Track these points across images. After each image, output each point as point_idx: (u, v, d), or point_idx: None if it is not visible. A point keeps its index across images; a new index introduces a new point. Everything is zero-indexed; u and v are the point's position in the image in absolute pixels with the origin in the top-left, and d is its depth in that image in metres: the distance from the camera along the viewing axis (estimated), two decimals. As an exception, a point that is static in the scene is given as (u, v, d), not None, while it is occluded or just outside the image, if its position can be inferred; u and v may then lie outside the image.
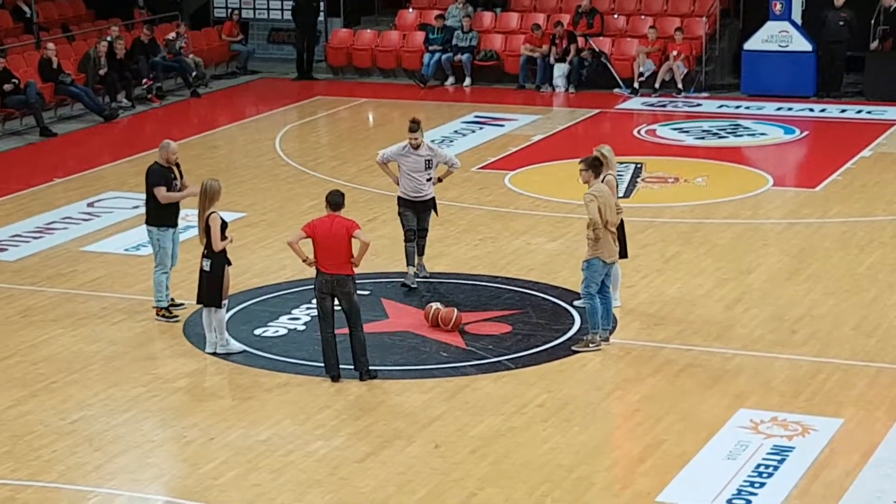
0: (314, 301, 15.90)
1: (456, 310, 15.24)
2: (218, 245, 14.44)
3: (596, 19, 29.14)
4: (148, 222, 15.75)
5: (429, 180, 16.43)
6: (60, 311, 16.07)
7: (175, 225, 15.67)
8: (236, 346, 14.73)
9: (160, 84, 28.29)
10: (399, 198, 16.52)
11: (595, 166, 14.51)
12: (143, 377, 14.12)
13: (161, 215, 15.56)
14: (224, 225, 14.51)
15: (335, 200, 13.87)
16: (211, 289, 14.51)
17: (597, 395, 13.59)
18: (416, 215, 16.47)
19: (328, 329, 13.83)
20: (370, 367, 13.90)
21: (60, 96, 26.28)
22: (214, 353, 14.63)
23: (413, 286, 16.40)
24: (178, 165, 15.81)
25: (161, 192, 15.54)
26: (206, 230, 14.45)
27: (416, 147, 16.29)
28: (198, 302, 14.78)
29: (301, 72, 30.12)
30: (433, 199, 16.55)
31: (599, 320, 14.55)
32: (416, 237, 16.52)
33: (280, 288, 16.67)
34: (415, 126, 16.28)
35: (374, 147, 23.89)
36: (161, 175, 15.63)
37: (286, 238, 14.37)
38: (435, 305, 15.32)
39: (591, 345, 14.57)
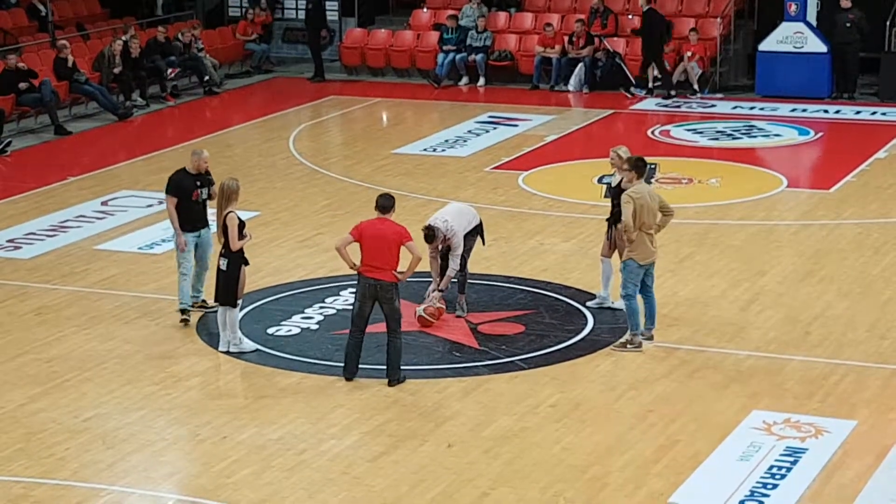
0: (328, 301, 15.97)
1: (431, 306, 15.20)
2: (235, 245, 14.45)
3: (610, 19, 29.12)
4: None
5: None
6: (74, 310, 16.10)
7: (195, 230, 15.47)
8: (249, 344, 14.74)
9: (176, 83, 28.34)
10: None
11: (638, 167, 14.46)
12: (156, 375, 14.14)
13: (182, 220, 15.40)
14: (241, 224, 14.52)
15: (385, 204, 13.75)
16: (227, 288, 14.53)
17: (610, 396, 13.58)
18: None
19: (358, 332, 13.78)
20: (401, 373, 13.86)
21: (75, 95, 26.33)
22: (228, 352, 14.65)
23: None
24: (208, 173, 15.60)
25: (170, 203, 15.45)
26: (223, 229, 14.47)
27: (435, 248, 15.54)
28: (215, 301, 14.82)
29: (316, 72, 30.13)
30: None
31: (639, 321, 14.53)
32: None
33: (293, 287, 16.68)
34: (429, 238, 15.29)
35: (388, 147, 23.98)
36: (176, 184, 15.48)
37: (334, 243, 14.20)
38: (418, 311, 15.24)
39: (629, 345, 14.55)
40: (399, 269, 13.75)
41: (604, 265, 15.65)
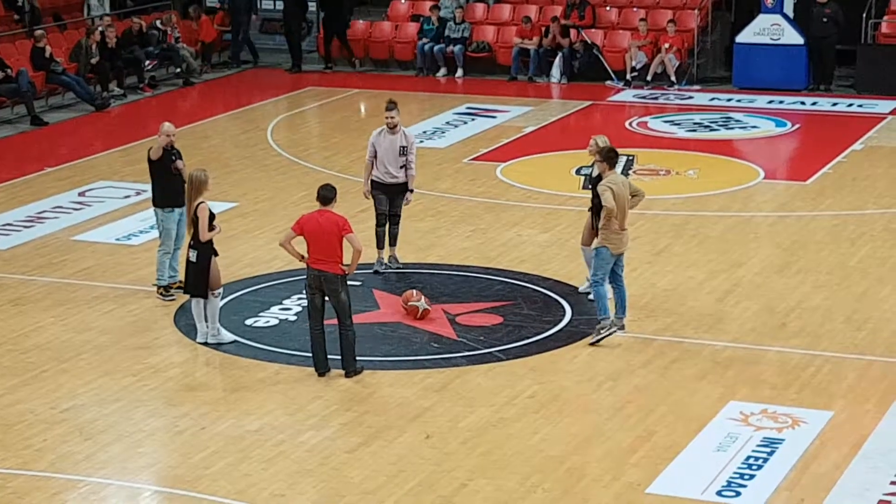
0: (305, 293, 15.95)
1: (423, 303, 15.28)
2: (205, 235, 14.43)
3: (587, 11, 29.12)
4: (154, 204, 16.08)
5: (402, 167, 16.52)
6: (51, 301, 16.06)
7: (180, 206, 15.82)
8: (227, 336, 14.72)
9: (153, 73, 28.27)
10: (372, 181, 16.62)
11: (610, 158, 14.57)
12: (134, 366, 14.11)
13: (165, 197, 15.86)
14: (212, 216, 14.52)
15: (325, 195, 13.78)
16: (196, 279, 14.50)
17: (588, 387, 13.61)
18: (388, 199, 16.63)
19: (317, 325, 13.76)
20: (356, 364, 13.84)
21: (52, 85, 26.24)
22: (206, 343, 14.63)
23: (383, 272, 16.53)
24: (174, 148, 16.01)
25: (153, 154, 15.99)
26: (193, 221, 14.46)
27: (392, 128, 16.41)
28: (184, 292, 14.84)
29: (293, 64, 30.09)
30: (406, 183, 16.66)
31: (607, 304, 14.55)
32: (387, 222, 16.65)
33: (271, 278, 16.67)
34: (390, 105, 16.45)
35: (366, 138, 23.83)
36: (158, 154, 15.97)
37: (278, 240, 14.29)
38: (419, 304, 15.24)
39: (602, 331, 14.55)
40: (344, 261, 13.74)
41: (585, 253, 15.65)
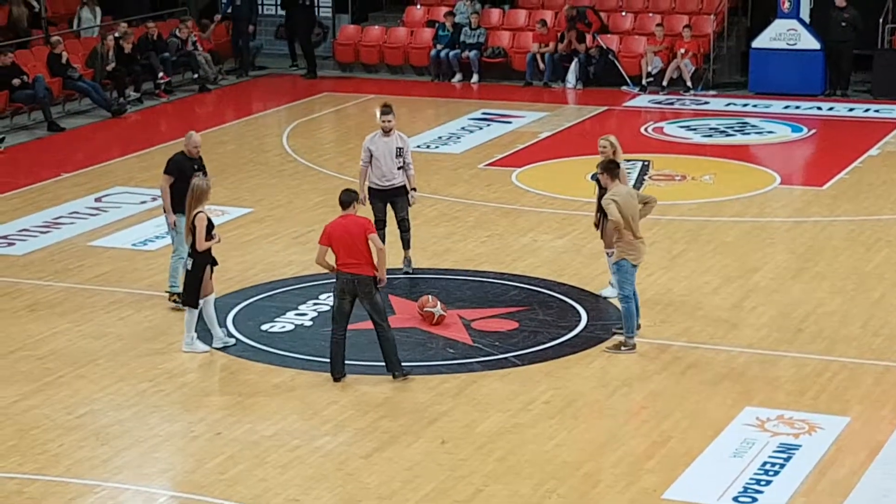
0: (321, 297, 15.96)
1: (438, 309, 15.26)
2: (202, 245, 14.37)
3: (589, 15, 28.94)
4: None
5: (399, 168, 16.58)
6: (67, 306, 16.09)
7: None
8: (201, 346, 14.61)
9: (169, 79, 28.31)
10: (369, 188, 16.66)
11: (610, 169, 14.48)
12: (149, 372, 14.14)
13: (180, 203, 15.56)
14: (210, 225, 14.47)
15: (346, 199, 13.80)
16: (189, 288, 14.47)
17: (603, 392, 13.60)
18: (385, 204, 16.67)
19: (340, 331, 13.76)
20: (403, 366, 13.84)
21: (68, 91, 26.31)
22: (224, 348, 14.61)
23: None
24: (200, 158, 15.89)
25: (165, 181, 15.72)
26: (191, 230, 14.39)
27: (387, 132, 16.48)
28: (179, 299, 14.88)
29: (308, 69, 30.13)
30: (404, 186, 16.70)
31: (634, 325, 14.51)
32: (385, 226, 16.66)
33: (287, 283, 16.69)
34: (386, 109, 16.55)
35: (382, 143, 23.94)
36: (176, 164, 15.77)
37: (314, 260, 14.03)
38: (435, 310, 15.24)
39: (623, 347, 14.52)
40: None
41: (609, 259, 15.59)
